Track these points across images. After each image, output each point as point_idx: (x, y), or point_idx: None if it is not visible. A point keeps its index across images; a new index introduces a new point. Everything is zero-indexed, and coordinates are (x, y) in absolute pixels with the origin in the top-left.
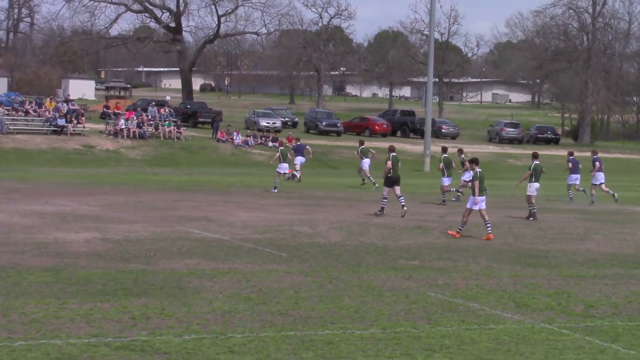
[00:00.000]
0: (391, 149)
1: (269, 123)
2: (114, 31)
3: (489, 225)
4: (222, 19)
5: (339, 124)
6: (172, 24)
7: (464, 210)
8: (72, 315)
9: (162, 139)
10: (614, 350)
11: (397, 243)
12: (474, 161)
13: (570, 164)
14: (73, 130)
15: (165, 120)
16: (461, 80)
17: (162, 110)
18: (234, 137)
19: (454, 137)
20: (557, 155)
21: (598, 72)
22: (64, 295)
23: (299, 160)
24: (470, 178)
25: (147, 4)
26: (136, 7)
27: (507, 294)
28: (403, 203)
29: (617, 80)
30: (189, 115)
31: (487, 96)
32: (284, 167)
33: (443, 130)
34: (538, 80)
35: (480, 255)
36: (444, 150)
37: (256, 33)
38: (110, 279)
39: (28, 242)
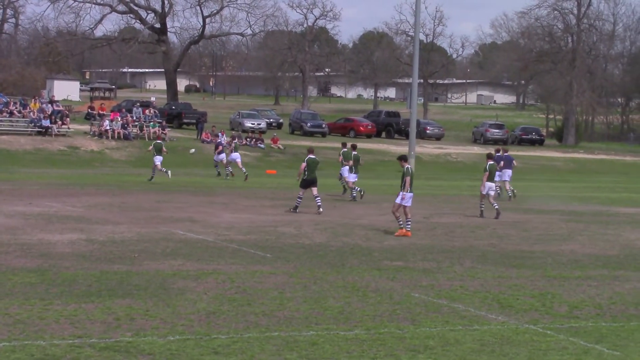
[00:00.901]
0: (309, 151)
1: (253, 124)
2: (99, 32)
3: (409, 222)
4: (207, 20)
5: (323, 125)
6: (157, 25)
7: (393, 206)
8: (56, 316)
9: (146, 139)
10: (598, 351)
11: (381, 244)
12: (403, 158)
13: (502, 162)
14: (57, 131)
15: (150, 121)
16: (446, 82)
17: (146, 111)
18: (219, 138)
19: (438, 138)
20: (542, 157)
21: (583, 74)
22: (48, 296)
23: (222, 157)
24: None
25: (132, 4)
26: (121, 8)
27: (492, 295)
28: (319, 204)
29: (602, 82)
30: (174, 116)
31: (472, 97)
32: (158, 159)
33: (428, 132)
34: (523, 82)
35: (464, 256)
36: (354, 147)
37: (241, 34)
38: (95, 280)
39: (12, 243)
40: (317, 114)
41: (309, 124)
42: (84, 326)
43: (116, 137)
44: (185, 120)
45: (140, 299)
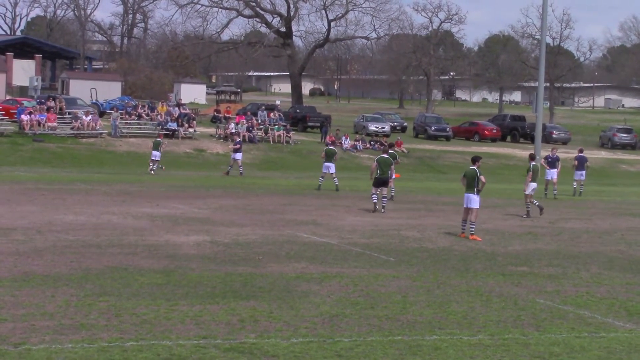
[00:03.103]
0: (384, 151)
1: (377, 127)
2: (225, 36)
3: (471, 225)
4: (332, 24)
5: (448, 129)
6: (283, 29)
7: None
8: (182, 316)
9: (271, 143)
10: None
11: (506, 249)
12: (475, 160)
13: (576, 161)
14: (184, 133)
15: (274, 125)
16: (573, 85)
17: (271, 114)
18: (343, 142)
19: (565, 142)
20: None
21: None
22: (174, 297)
23: (239, 155)
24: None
25: (258, 9)
26: (247, 12)
27: (619, 302)
28: (384, 204)
29: None
30: (299, 119)
31: (599, 101)
32: (155, 155)
33: (554, 136)
34: None
35: (591, 262)
36: (391, 146)
37: (366, 37)
38: (220, 281)
39: (140, 244)
40: (441, 118)
41: (433, 128)
42: (209, 327)
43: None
44: (309, 124)
45: (264, 301)
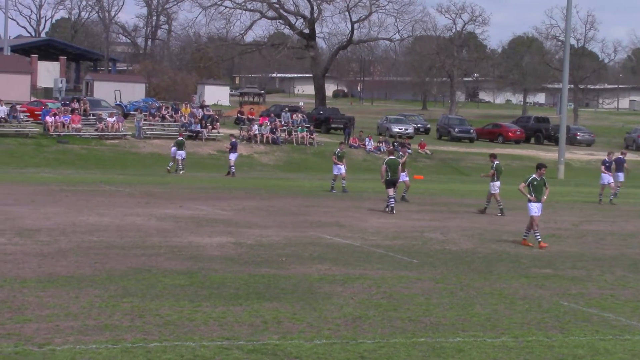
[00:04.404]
0: (390, 152)
1: (401, 129)
2: (249, 38)
3: (527, 234)
4: (356, 25)
5: (471, 131)
6: (306, 31)
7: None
8: (205, 318)
9: (294, 144)
10: None
11: (529, 251)
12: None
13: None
14: (208, 135)
15: (298, 126)
16: (597, 87)
17: (295, 116)
18: (366, 143)
19: (589, 144)
20: None
21: None
22: (198, 298)
23: (234, 156)
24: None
25: (281, 10)
26: (271, 13)
27: None
28: (392, 205)
29: None
30: (322, 121)
31: (624, 103)
32: (180, 154)
33: (578, 137)
34: None
35: (615, 265)
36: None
37: (389, 39)
38: (243, 282)
39: (163, 245)
40: (464, 120)
41: (456, 130)
42: (232, 328)
43: (265, 141)
44: (332, 125)
45: (288, 302)
